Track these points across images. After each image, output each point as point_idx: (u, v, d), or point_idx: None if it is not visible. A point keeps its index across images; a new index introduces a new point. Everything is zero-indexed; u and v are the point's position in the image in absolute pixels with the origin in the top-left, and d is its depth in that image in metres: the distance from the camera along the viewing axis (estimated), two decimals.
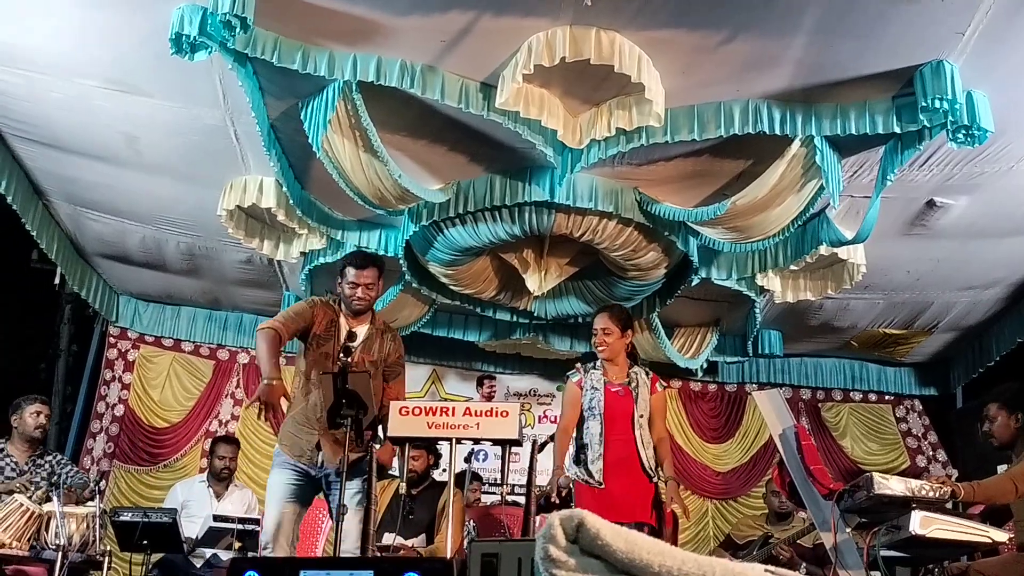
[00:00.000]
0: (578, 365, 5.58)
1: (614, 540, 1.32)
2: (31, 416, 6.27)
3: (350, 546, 4.48)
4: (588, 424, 5.31)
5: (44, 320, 9.44)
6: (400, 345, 5.05)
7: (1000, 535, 4.50)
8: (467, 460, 7.20)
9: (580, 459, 5.26)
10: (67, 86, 5.60)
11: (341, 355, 4.52)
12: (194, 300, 9.27)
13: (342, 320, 4.87)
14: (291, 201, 6.36)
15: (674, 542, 5.32)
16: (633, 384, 5.35)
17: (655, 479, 5.22)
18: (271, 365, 4.56)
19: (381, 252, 7.02)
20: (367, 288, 4.86)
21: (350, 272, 4.86)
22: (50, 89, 5.64)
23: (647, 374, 5.46)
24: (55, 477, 6.13)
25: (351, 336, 4.66)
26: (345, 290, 4.86)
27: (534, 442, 5.17)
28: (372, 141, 5.40)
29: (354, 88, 5.15)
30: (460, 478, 6.45)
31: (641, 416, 5.28)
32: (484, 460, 9.02)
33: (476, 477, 8.11)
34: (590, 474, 5.18)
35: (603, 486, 5.16)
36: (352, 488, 4.58)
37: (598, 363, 5.46)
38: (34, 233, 7.13)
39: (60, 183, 6.93)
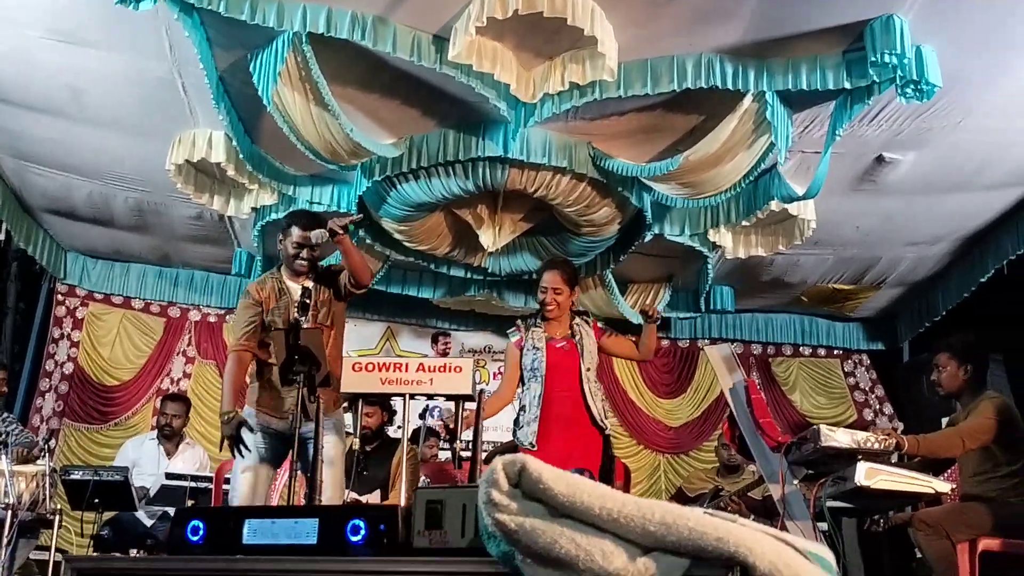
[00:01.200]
0: (518, 322, 5.34)
1: (555, 484, 1.34)
2: None
3: (326, 497, 4.50)
4: (529, 386, 5.13)
5: None
6: (336, 269, 5.03)
7: (943, 486, 4.60)
8: (422, 416, 7.21)
9: (518, 421, 5.12)
10: (9, 37, 5.45)
11: (297, 314, 4.51)
12: (144, 257, 9.15)
13: (288, 283, 4.82)
14: (241, 156, 6.27)
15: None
16: (577, 336, 5.14)
17: (607, 431, 5.11)
18: (230, 396, 4.64)
19: (334, 208, 6.96)
20: (311, 249, 4.80)
21: (295, 232, 4.77)
22: None
23: (588, 322, 5.25)
24: (2, 436, 6.06)
25: (306, 292, 4.61)
26: (288, 249, 4.78)
27: (481, 392, 5.11)
28: (323, 94, 5.33)
29: (304, 40, 5.06)
30: (415, 435, 6.47)
31: (588, 369, 5.09)
32: (438, 416, 9.02)
33: (433, 433, 8.13)
34: (525, 436, 5.02)
35: (535, 448, 4.97)
36: (328, 442, 4.64)
37: (539, 319, 5.25)
38: None
39: (4, 137, 6.77)
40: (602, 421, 5.08)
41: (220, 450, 4.77)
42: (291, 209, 6.67)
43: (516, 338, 5.25)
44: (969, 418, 4.81)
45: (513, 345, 5.26)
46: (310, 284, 4.78)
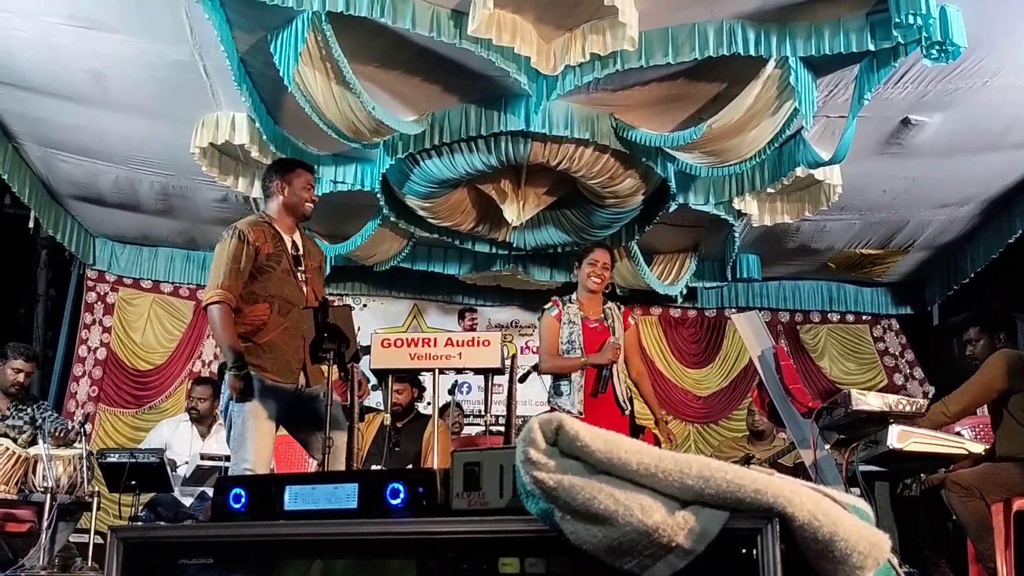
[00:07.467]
0: (555, 299, 5.56)
1: (592, 441, 1.35)
2: (11, 371, 6.14)
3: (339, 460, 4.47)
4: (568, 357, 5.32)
5: (21, 265, 9.35)
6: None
7: (975, 447, 4.59)
8: (451, 392, 7.26)
9: (559, 389, 5.30)
10: (31, 25, 5.49)
11: (290, 264, 4.48)
12: (171, 241, 9.21)
13: (282, 234, 4.61)
14: (264, 137, 6.30)
15: None
16: (609, 320, 5.41)
17: (627, 411, 5.31)
18: (235, 346, 4.33)
19: (358, 187, 7.00)
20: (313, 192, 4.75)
21: (304, 175, 4.68)
22: (13, 28, 5.54)
23: (619, 308, 5.54)
24: (38, 422, 6.13)
25: (296, 246, 4.60)
26: (299, 193, 4.62)
27: (513, 358, 5.14)
28: (344, 73, 5.34)
29: (324, 19, 5.07)
30: (444, 409, 6.52)
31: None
32: (468, 392, 9.09)
33: (457, 406, 8.18)
34: (572, 404, 5.20)
35: (583, 416, 5.10)
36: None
37: (574, 296, 5.48)
38: (5, 177, 7.04)
39: (29, 125, 6.83)
40: (624, 402, 5.30)
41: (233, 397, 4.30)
42: (316, 190, 6.63)
43: (555, 312, 5.43)
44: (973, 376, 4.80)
45: (553, 318, 5.42)
46: (298, 239, 4.68)
